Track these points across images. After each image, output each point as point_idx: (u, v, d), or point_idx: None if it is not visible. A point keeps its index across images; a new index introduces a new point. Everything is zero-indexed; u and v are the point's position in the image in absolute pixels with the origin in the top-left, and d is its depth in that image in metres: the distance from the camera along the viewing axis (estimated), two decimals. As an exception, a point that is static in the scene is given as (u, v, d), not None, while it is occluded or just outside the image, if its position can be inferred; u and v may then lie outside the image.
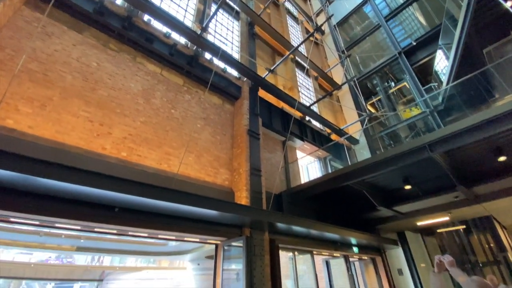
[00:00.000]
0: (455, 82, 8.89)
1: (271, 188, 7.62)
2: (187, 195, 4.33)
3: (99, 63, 5.79)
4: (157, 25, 7.21)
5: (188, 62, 7.34)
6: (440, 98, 11.09)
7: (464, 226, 9.76)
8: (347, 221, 8.40)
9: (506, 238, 9.83)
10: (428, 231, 10.63)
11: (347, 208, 8.87)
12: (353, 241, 7.91)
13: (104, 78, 5.69)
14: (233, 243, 5.57)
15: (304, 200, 7.94)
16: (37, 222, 3.93)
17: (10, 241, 11.64)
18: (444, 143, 5.28)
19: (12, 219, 3.75)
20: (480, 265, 9.01)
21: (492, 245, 9.06)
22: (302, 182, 9.29)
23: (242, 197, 6.27)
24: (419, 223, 9.33)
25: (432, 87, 12.16)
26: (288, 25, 15.33)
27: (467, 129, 4.96)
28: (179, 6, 8.69)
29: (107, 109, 5.44)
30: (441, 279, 2.38)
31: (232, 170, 7.13)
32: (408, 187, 6.98)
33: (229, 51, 9.48)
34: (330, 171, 10.98)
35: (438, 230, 10.42)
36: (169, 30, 7.19)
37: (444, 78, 10.36)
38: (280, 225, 5.73)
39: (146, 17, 7.02)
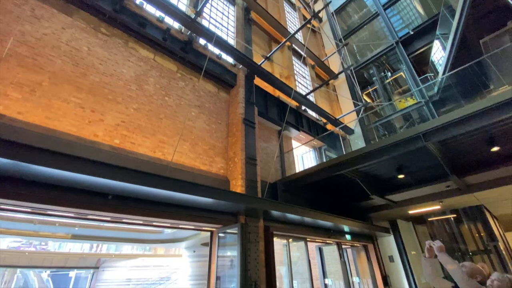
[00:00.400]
0: (451, 72, 8.90)
1: (266, 177, 7.65)
2: (182, 183, 4.31)
3: (90, 47, 5.60)
4: (150, 8, 6.97)
5: (182, 48, 7.16)
6: (436, 89, 11.12)
7: (455, 215, 10.00)
8: (341, 209, 8.53)
9: (496, 227, 10.12)
10: (420, 219, 10.88)
11: (341, 197, 9.00)
12: (346, 228, 8.06)
13: (95, 63, 5.52)
14: (228, 230, 5.62)
15: (298, 189, 8.02)
16: (28, 209, 3.89)
17: (4, 229, 11.57)
18: (438, 133, 5.31)
19: (2, 206, 3.70)
20: (470, 253, 9.29)
21: (482, 234, 9.31)
22: (297, 171, 9.35)
23: (238, 186, 6.28)
24: (411, 212, 9.53)
25: (428, 77, 12.16)
26: (285, 11, 15.01)
27: (461, 119, 4.98)
28: (172, -11, 8.38)
29: (99, 95, 5.31)
30: (432, 263, 2.45)
31: (227, 159, 7.12)
32: (401, 176, 7.07)
33: (224, 37, 9.26)
34: (324, 160, 11.06)
35: (429, 219, 10.67)
36: (162, 14, 6.97)
37: (440, 69, 10.35)
38: (274, 212, 5.79)
39: (138, 0, 6.77)
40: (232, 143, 7.22)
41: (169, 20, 7.24)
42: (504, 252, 8.72)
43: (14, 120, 4.22)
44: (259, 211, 5.69)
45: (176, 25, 7.44)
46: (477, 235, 9.48)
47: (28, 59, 4.69)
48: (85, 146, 4.72)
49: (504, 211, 10.97)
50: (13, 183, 3.41)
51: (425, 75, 12.38)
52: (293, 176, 7.90)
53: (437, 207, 9.03)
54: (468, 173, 6.90)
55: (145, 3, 6.73)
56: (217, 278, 5.46)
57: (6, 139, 2.89)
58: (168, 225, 5.29)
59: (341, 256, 8.23)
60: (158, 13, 7.03)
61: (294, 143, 10.58)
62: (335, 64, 15.33)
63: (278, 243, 6.79)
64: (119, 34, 6.24)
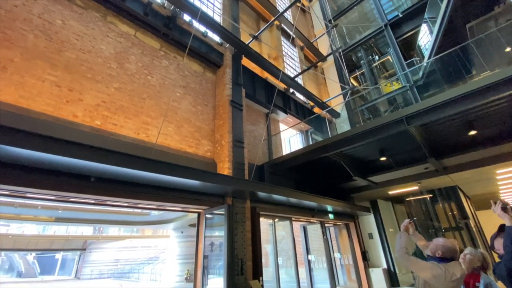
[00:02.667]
0: (436, 57, 9.02)
1: (254, 160, 7.70)
2: (168, 165, 4.26)
3: (64, 20, 5.20)
4: (130, -21, 6.48)
5: (165, 24, 6.80)
6: (421, 73, 11.30)
7: (431, 195, 10.58)
8: (325, 190, 8.81)
9: (469, 206, 10.82)
10: (398, 199, 11.45)
11: (325, 178, 9.26)
12: (329, 208, 8.38)
13: (70, 39, 5.16)
14: (216, 212, 5.70)
15: (285, 171, 8.16)
16: (6, 192, 3.75)
17: (-18, 212, 11.21)
18: (420, 117, 5.47)
19: (-23, 189, 3.55)
20: (443, 230, 9.96)
21: (455, 213, 9.95)
22: (284, 154, 9.46)
23: (225, 168, 6.30)
24: (390, 192, 10.00)
25: (414, 61, 12.30)
26: (275, -12, 14.42)
27: (442, 103, 5.13)
28: (154, -41, 7.78)
29: (76, 73, 5.02)
30: (407, 237, 2.62)
31: (214, 142, 7.06)
32: (383, 158, 7.33)
33: (210, 13, 8.84)
34: (311, 143, 11.22)
35: (407, 199, 11.25)
36: (143, -13, 6.50)
37: (426, 53, 10.46)
38: (261, 194, 5.89)
39: (116, -30, 6.26)
40: (219, 126, 7.14)
41: (150, -7, 6.78)
42: (474, 229, 9.42)
43: (-16, 99, 3.95)
44: (246, 193, 5.77)
45: (158, -1, 7.00)
46: (450, 213, 10.13)
47: (-3, 33, 4.32)
48: (64, 127, 4.52)
49: (476, 192, 11.73)
50: (-13, 165, 3.25)
51: (411, 59, 12.52)
52: (280, 158, 8.00)
53: (415, 187, 9.50)
54: (446, 155, 7.22)
55: (123, -27, 6.23)
56: (205, 257, 5.60)
57: None
58: (154, 207, 5.29)
59: (324, 234, 8.61)
60: (138, -15, 6.55)
61: (282, 126, 10.61)
62: (324, 46, 15.14)
63: (265, 223, 6.99)
64: (96, 6, 5.81)
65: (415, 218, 2.77)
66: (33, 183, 3.57)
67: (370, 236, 10.22)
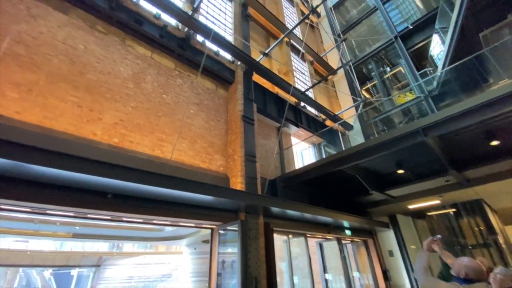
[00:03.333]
0: (450, 67, 8.85)
1: (266, 174, 7.66)
2: (182, 180, 4.31)
3: (86, 45, 5.55)
4: (146, 5, 6.90)
5: (179, 45, 7.11)
6: (435, 83, 11.09)
7: (454, 210, 10.02)
8: (340, 205, 8.55)
9: (496, 221, 10.14)
10: (419, 214, 10.91)
11: (340, 192, 9.02)
12: (346, 224, 8.09)
13: (92, 62, 5.48)
14: (229, 227, 5.64)
15: (298, 185, 8.02)
16: (28, 209, 3.88)
17: (5, 229, 11.60)
18: (437, 127, 5.30)
19: (3, 206, 3.70)
20: (470, 247, 9.32)
21: (481, 228, 9.33)
22: (297, 167, 9.35)
23: (237, 183, 6.29)
24: (410, 207, 9.56)
25: (427, 72, 12.12)
26: (283, 7, 14.89)
27: (460, 113, 4.97)
28: (169, -15, 8.29)
29: (97, 94, 5.28)
30: (428, 256, 2.47)
31: (226, 156, 7.11)
32: (400, 171, 7.08)
33: (222, 33, 9.19)
34: (324, 156, 11.06)
35: (429, 213, 10.70)
36: (158, 11, 6.88)
37: (439, 63, 10.30)
38: (274, 209, 5.80)
39: (134, -3, 6.70)
40: (231, 141, 7.20)
41: (166, 17, 7.17)
42: (504, 246, 8.76)
43: (12, 120, 4.20)
44: (259, 208, 5.70)
45: (173, 22, 7.37)
46: (476, 229, 9.51)
47: (25, 58, 4.65)
48: (84, 145, 4.71)
49: (504, 205, 11.00)
50: (13, 183, 3.41)
51: (424, 70, 12.34)
52: (293, 172, 7.91)
53: (436, 201, 9.05)
54: (468, 167, 6.89)
55: None
56: (218, 274, 5.49)
57: (5, 140, 2.88)
58: (169, 223, 5.30)
59: (341, 251, 8.27)
60: (154, 10, 6.95)
61: (293, 140, 10.57)
62: (333, 59, 15.25)
63: (278, 239, 6.82)
64: (116, 32, 6.19)
65: (439, 236, 2.61)
66: (53, 200, 3.69)
67: (391, 253, 9.70)
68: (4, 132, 3.96)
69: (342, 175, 7.41)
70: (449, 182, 7.68)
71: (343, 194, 9.07)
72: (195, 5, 7.06)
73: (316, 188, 8.58)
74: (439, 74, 10.41)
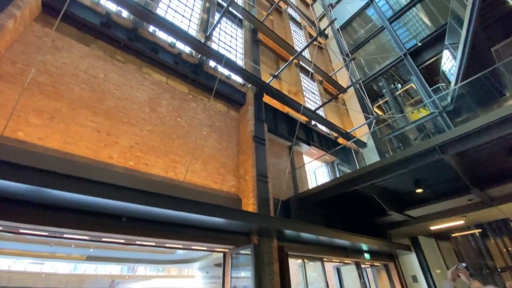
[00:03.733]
0: (463, 83, 8.71)
1: (279, 194, 7.54)
2: (193, 203, 4.31)
3: (106, 74, 5.89)
4: (162, 35, 7.33)
5: (193, 70, 7.42)
6: (449, 99, 10.88)
7: (480, 230, 9.43)
8: (357, 226, 8.22)
9: (526, 241, 9.41)
10: (443, 235, 10.30)
11: (357, 213, 8.69)
12: (364, 247, 7.71)
13: (111, 89, 5.78)
14: (241, 251, 5.49)
15: (312, 206, 7.82)
16: (45, 233, 3.96)
17: (21, 251, 11.81)
18: (455, 145, 5.14)
19: (21, 230, 3.79)
20: (498, 270, 8.63)
21: (510, 249, 8.68)
22: (310, 187, 9.17)
23: (249, 204, 6.21)
24: (432, 228, 9.05)
25: (440, 87, 11.96)
26: (291, 30, 15.42)
27: (478, 129, 4.81)
28: (183, 16, 8.85)
29: (114, 119, 5.51)
30: (453, 286, 2.31)
31: (238, 177, 7.10)
32: (419, 190, 6.79)
33: (233, 58, 9.55)
34: (338, 175, 10.83)
35: (453, 235, 10.10)
36: (174, 40, 7.30)
37: (452, 78, 10.17)
38: (288, 232, 5.64)
39: (151, 28, 7.15)
40: (243, 161, 7.22)
41: (180, 45, 7.57)
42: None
43: (35, 146, 4.41)
44: (272, 231, 5.56)
45: (187, 49, 7.76)
46: (504, 250, 8.85)
47: (49, 87, 4.97)
48: (101, 168, 4.84)
49: (535, 225, 10.22)
50: (32, 207, 3.51)
51: (437, 85, 12.19)
52: (306, 192, 7.75)
53: (460, 222, 8.54)
54: (491, 185, 6.55)
55: (157, 30, 7.09)
56: (231, 301, 5.28)
57: (27, 165, 3.02)
58: (181, 246, 5.24)
59: (361, 276, 7.81)
60: (170, 39, 7.37)
61: (306, 158, 10.47)
62: (343, 77, 15.39)
63: (294, 263, 6.56)
64: (134, 60, 6.56)
65: (464, 265, 2.43)
66: (70, 224, 3.75)
67: (414, 279, 9.07)
68: (26, 157, 4.16)
69: (358, 195, 7.19)
70: (472, 201, 7.28)
71: (360, 215, 8.74)
72: (207, 34, 7.45)
73: (332, 209, 8.32)
74: (452, 89, 10.24)
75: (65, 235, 4.14)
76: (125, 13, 6.87)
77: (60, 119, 4.85)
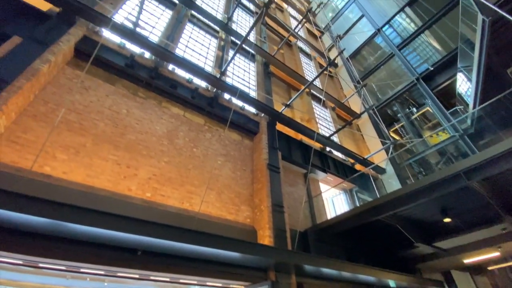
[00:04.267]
0: (482, 106, 8.46)
1: (296, 225, 7.26)
2: (207, 236, 4.23)
3: (128, 110, 6.27)
4: (181, 72, 7.84)
5: (208, 103, 7.76)
6: (469, 121, 10.53)
7: (521, 263, 8.47)
8: (383, 260, 7.65)
9: None
10: (478, 269, 9.34)
11: (381, 245, 8.14)
12: (392, 283, 7.08)
13: (132, 123, 6.11)
14: (258, 288, 5.20)
15: (332, 237, 7.43)
16: (63, 268, 3.97)
17: (39, 284, 11.79)
18: (481, 170, 4.85)
19: (40, 265, 3.84)
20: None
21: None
22: (328, 216, 8.82)
23: (265, 236, 6.01)
24: (466, 261, 8.25)
25: (458, 110, 11.65)
26: (302, 61, 16.01)
27: (505, 153, 4.56)
28: (200, 54, 9.50)
29: (134, 152, 5.73)
30: None
31: (253, 207, 6.98)
32: (447, 219, 6.34)
33: (246, 90, 9.94)
34: (357, 203, 10.38)
35: (489, 268, 9.13)
36: (191, 76, 7.77)
37: (469, 100, 9.94)
38: (307, 267, 5.33)
39: (170, 66, 7.69)
40: (258, 190, 7.15)
41: (197, 81, 8.03)
42: None
43: (59, 180, 4.62)
44: (290, 266, 5.28)
45: (203, 84, 8.20)
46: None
47: (75, 124, 5.32)
48: (119, 201, 4.95)
49: None
50: (52, 242, 3.58)
51: (454, 108, 11.90)
52: (325, 223, 7.43)
53: (495, 253, 7.76)
54: (528, 213, 6.02)
55: (176, 68, 7.61)
56: None
57: (46, 199, 3.14)
58: (195, 282, 5.04)
59: (390, 317, 7.09)
60: (187, 75, 7.86)
61: (322, 186, 10.19)
62: (356, 103, 15.42)
63: (314, 302, 6.08)
64: (154, 96, 6.98)
65: None
66: (86, 258, 3.76)
67: (451, 320, 8.11)
68: (51, 191, 4.34)
69: (381, 226, 6.80)
70: (506, 230, 6.67)
71: (385, 247, 8.17)
72: (222, 69, 7.89)
73: (354, 241, 7.86)
74: (471, 112, 9.95)
75: (81, 270, 4.13)
76: (147, 54, 7.48)
77: (85, 153, 5.11)
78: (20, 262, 3.67)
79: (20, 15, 5.59)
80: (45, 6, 5.93)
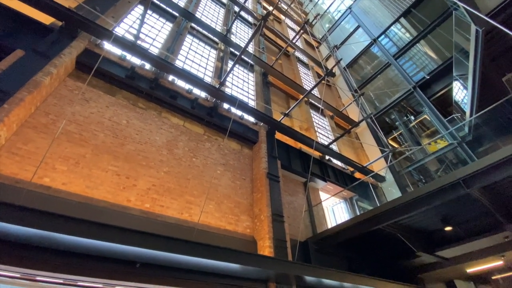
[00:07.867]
0: (478, 114, 8.55)
1: (296, 235, 7.20)
2: (207, 247, 4.20)
3: (128, 120, 6.32)
4: (181, 83, 7.93)
5: (208, 113, 7.82)
6: (466, 129, 10.61)
7: (525, 272, 8.36)
8: (385, 270, 7.55)
9: None
10: (482, 278, 9.21)
11: (383, 255, 8.04)
12: (394, 294, 6.96)
13: (132, 134, 6.14)
14: (259, 300, 5.11)
15: (333, 247, 7.36)
16: (61, 281, 3.91)
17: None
18: (480, 178, 4.86)
19: (38, 278, 3.78)
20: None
21: None
22: (329, 225, 8.75)
23: (265, 247, 5.94)
24: (469, 270, 8.14)
25: (455, 117, 11.75)
26: (300, 71, 16.23)
27: (504, 160, 4.58)
28: (199, 65, 9.64)
29: (134, 162, 5.74)
30: None
31: (253, 217, 6.93)
32: (448, 228, 6.32)
33: (245, 99, 10.04)
34: (358, 212, 10.32)
35: (493, 277, 9.00)
36: (191, 87, 7.86)
37: (466, 108, 10.04)
38: (308, 278, 5.26)
39: (170, 77, 7.79)
40: (257, 199, 7.12)
41: (196, 91, 8.12)
42: None
43: (59, 191, 4.60)
44: (291, 277, 5.21)
45: (203, 94, 8.30)
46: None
47: (76, 135, 5.34)
48: (118, 212, 4.92)
49: None
50: (48, 254, 3.55)
51: (452, 116, 12.00)
52: (325, 232, 7.37)
53: (499, 262, 7.66)
54: (529, 220, 5.99)
55: (176, 79, 7.71)
56: None
57: (45, 211, 3.13)
58: (195, 294, 4.96)
59: (394, 329, 6.92)
60: (187, 86, 7.95)
61: (322, 195, 10.15)
62: (354, 112, 15.55)
63: (316, 314, 5.96)
64: (154, 106, 7.05)
65: None
66: (84, 271, 3.72)
67: (456, 332, 7.93)
68: (50, 203, 4.32)
69: (382, 234, 6.75)
70: (508, 238, 6.61)
71: (387, 256, 8.08)
72: (221, 80, 8.00)
73: (355, 251, 7.78)
74: (468, 121, 10.03)
75: (79, 283, 4.07)
76: (147, 66, 7.59)
77: (84, 164, 5.11)
78: (18, 275, 3.62)
79: (23, 29, 5.71)
80: (48, 20, 6.06)
